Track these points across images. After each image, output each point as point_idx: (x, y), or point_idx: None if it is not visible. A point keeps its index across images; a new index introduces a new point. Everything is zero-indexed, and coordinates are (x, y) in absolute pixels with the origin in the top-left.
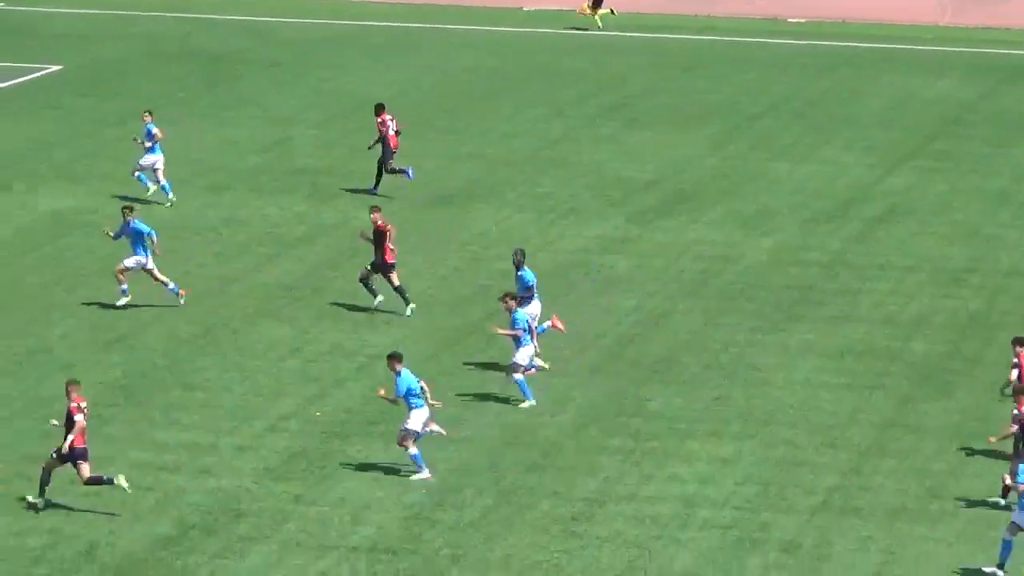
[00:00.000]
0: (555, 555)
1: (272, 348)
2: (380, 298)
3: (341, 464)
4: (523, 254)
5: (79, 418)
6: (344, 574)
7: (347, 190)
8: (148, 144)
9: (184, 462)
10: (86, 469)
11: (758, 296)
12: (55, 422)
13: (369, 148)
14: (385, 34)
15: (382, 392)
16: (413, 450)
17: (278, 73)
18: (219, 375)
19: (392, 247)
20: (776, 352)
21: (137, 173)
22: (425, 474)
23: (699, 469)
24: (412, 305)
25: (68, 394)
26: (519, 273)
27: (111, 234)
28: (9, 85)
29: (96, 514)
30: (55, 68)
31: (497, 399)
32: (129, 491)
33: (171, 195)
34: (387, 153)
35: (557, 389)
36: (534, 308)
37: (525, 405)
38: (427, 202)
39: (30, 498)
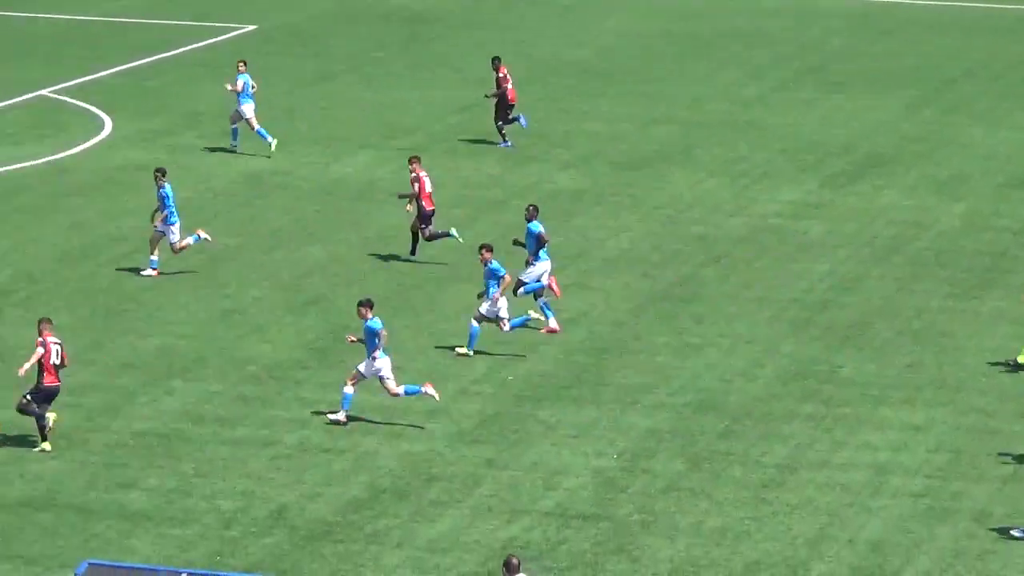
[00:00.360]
0: (745, 522)
1: (465, 311)
2: (453, 230)
3: (533, 428)
4: (536, 209)
5: (39, 351)
6: (535, 539)
7: (542, 153)
8: (234, 90)
9: (377, 425)
10: (51, 416)
11: (951, 262)
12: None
13: (486, 96)
14: None
15: (351, 337)
16: (349, 390)
17: (475, 34)
18: (412, 337)
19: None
20: (969, 319)
21: (257, 128)
22: (340, 416)
23: (891, 436)
24: (416, 256)
25: (40, 332)
26: (528, 226)
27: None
28: (204, 45)
29: (288, 477)
30: (250, 28)
31: (689, 364)
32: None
33: (237, 143)
34: (503, 105)
35: (749, 354)
36: (542, 266)
37: (461, 350)
38: (621, 165)
39: (44, 447)
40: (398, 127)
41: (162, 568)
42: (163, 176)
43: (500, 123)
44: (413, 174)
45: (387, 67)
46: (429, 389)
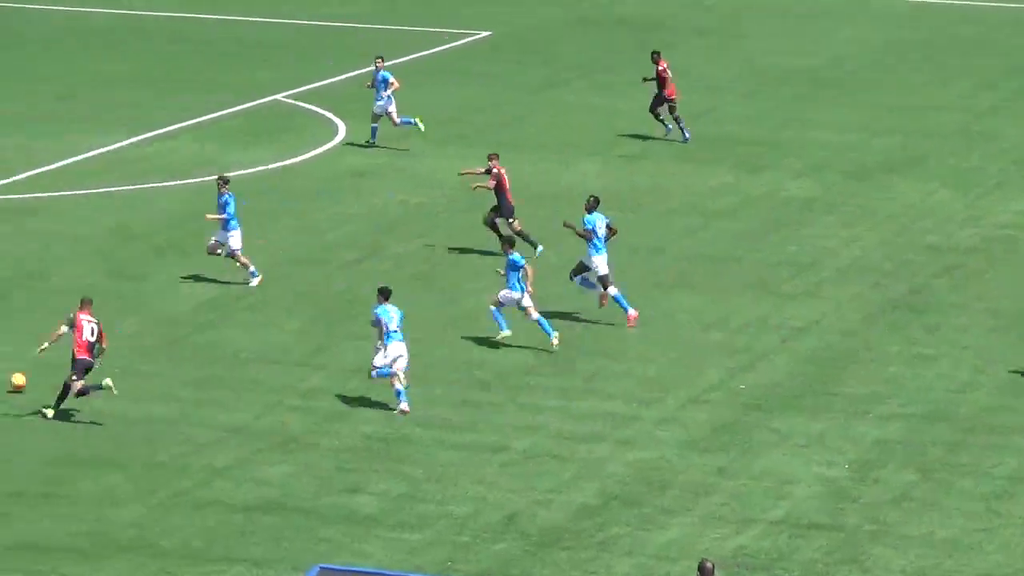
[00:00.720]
0: (975, 534)
1: (696, 319)
2: (540, 248)
3: (764, 437)
4: (596, 200)
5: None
6: (765, 548)
7: (773, 161)
8: (385, 93)
9: (607, 432)
10: (79, 384)
11: None
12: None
13: (644, 81)
14: (812, 4)
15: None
16: (399, 385)
17: (706, 41)
18: (643, 345)
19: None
20: None
21: (375, 125)
22: (403, 406)
23: None
24: (541, 247)
25: (79, 308)
26: (584, 217)
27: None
28: (439, 50)
29: (519, 483)
30: (483, 34)
31: (920, 374)
32: (115, 392)
33: (421, 125)
34: (663, 97)
35: (980, 365)
36: (599, 258)
37: (500, 336)
38: (852, 174)
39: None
40: (627, 134)
41: (393, 573)
42: (225, 184)
43: (667, 115)
44: (495, 170)
45: (617, 74)
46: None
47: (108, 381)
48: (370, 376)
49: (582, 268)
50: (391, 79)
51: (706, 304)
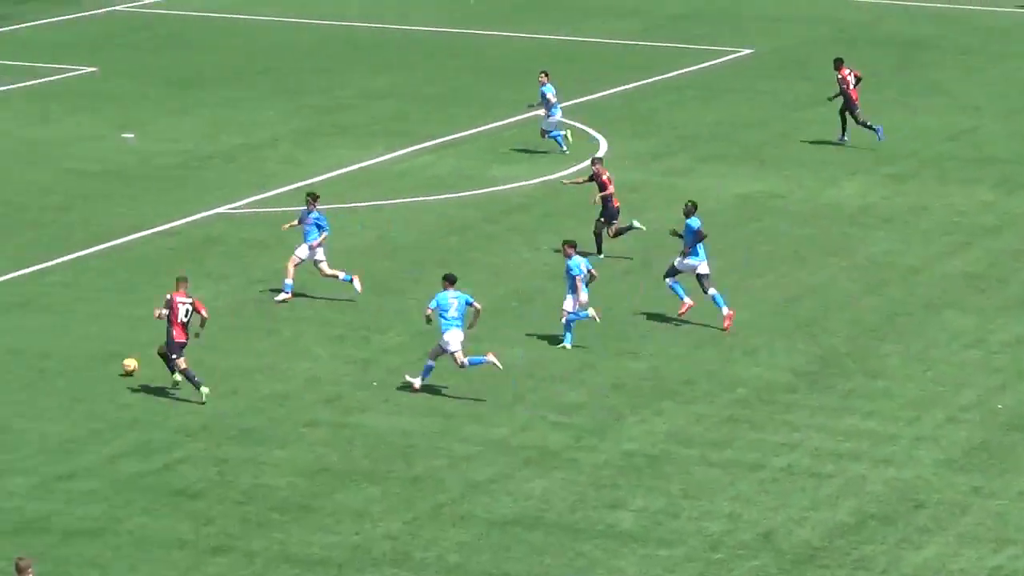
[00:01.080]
0: None
1: (955, 338)
2: (635, 222)
3: (1021, 457)
4: (694, 205)
5: (181, 312)
6: (1021, 568)
7: None
8: (538, 103)
9: (864, 450)
10: (182, 362)
11: None
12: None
13: (829, 100)
14: None
15: (428, 311)
16: (430, 362)
17: (968, 60)
18: (901, 364)
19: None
20: None
21: (552, 133)
22: (416, 382)
23: None
24: (601, 256)
25: (175, 288)
26: (686, 221)
27: (292, 224)
28: (702, 67)
29: (775, 501)
30: (746, 51)
31: None
32: (203, 402)
33: (565, 148)
34: (851, 106)
35: None
36: (693, 261)
37: (563, 346)
38: None
39: (175, 378)
40: (889, 152)
41: None
42: (315, 201)
43: (862, 121)
44: (602, 176)
45: (880, 92)
46: (491, 358)
47: (205, 390)
48: (460, 364)
49: (673, 270)
50: (548, 95)
51: (967, 322)
